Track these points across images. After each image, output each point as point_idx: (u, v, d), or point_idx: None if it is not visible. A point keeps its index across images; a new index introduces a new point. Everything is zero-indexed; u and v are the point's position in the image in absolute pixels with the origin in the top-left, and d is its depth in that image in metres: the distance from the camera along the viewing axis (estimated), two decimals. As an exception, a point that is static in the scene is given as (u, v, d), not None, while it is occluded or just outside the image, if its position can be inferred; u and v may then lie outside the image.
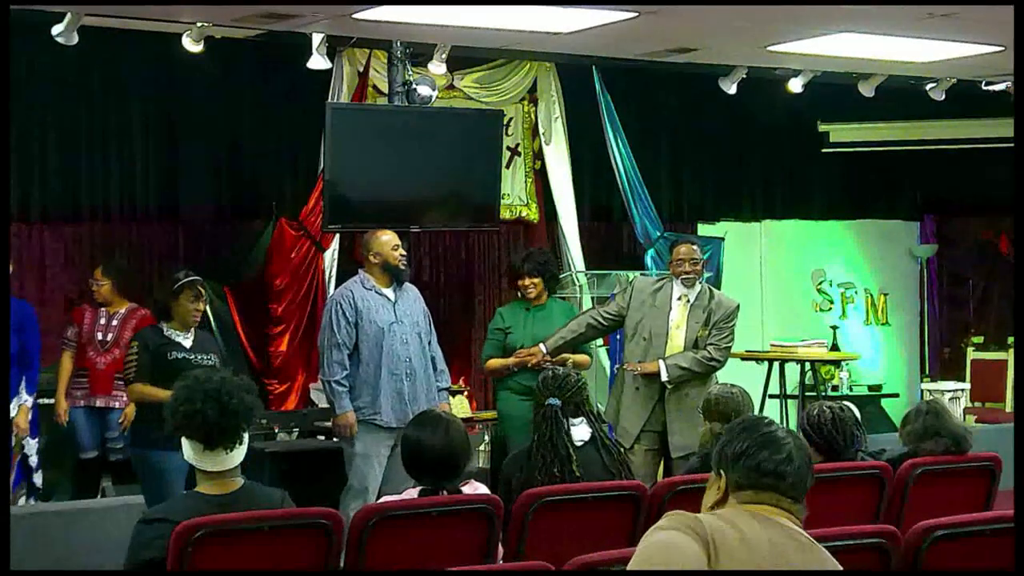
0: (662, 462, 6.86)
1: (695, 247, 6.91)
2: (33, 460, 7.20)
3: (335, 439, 6.99)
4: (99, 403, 7.61)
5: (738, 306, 6.90)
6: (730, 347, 6.86)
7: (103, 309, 7.64)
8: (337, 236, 9.10)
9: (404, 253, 6.73)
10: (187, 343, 6.33)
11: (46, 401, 7.73)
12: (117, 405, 7.59)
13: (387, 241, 6.66)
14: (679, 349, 6.72)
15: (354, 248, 8.70)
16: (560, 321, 7.09)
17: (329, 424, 7.08)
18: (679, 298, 6.79)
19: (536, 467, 4.84)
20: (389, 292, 6.64)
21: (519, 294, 7.25)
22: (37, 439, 7.24)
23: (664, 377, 6.65)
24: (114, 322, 7.63)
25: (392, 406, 6.51)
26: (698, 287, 6.83)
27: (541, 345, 6.92)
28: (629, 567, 2.65)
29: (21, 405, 6.95)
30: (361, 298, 6.56)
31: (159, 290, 6.60)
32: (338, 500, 6.47)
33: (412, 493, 4.35)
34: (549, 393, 5.04)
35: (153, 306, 6.58)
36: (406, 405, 6.50)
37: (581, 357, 7.10)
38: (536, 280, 7.14)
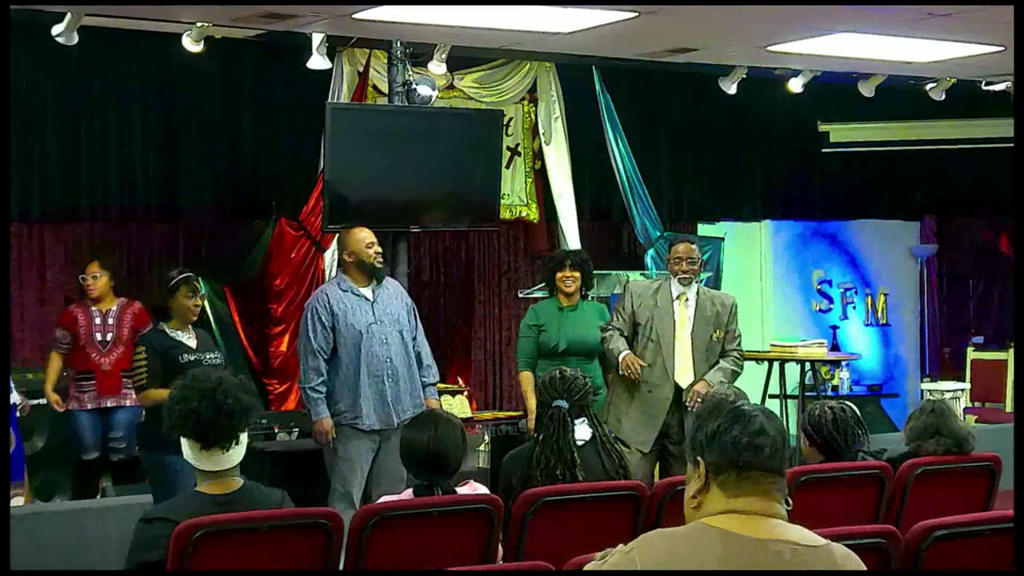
0: (658, 463, 6.85)
1: (694, 246, 6.86)
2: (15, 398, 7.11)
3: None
4: (109, 403, 7.57)
5: (735, 301, 6.95)
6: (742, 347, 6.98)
7: (95, 308, 7.62)
8: (337, 236, 9.09)
9: (380, 251, 6.59)
10: (192, 343, 6.29)
11: (45, 402, 7.74)
12: (127, 403, 7.55)
13: (362, 239, 6.52)
14: (687, 350, 6.68)
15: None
16: (593, 322, 7.00)
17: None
18: (678, 297, 6.76)
19: (538, 467, 4.78)
20: (367, 291, 6.49)
21: (555, 289, 7.10)
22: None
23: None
24: (110, 320, 7.60)
25: (374, 409, 6.39)
26: (695, 286, 6.83)
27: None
28: None
29: None
30: (337, 301, 6.42)
31: (156, 293, 6.54)
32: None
33: (408, 493, 4.36)
34: (557, 395, 4.92)
35: (151, 309, 6.52)
36: (389, 407, 6.40)
37: None
38: (576, 274, 7.04)
